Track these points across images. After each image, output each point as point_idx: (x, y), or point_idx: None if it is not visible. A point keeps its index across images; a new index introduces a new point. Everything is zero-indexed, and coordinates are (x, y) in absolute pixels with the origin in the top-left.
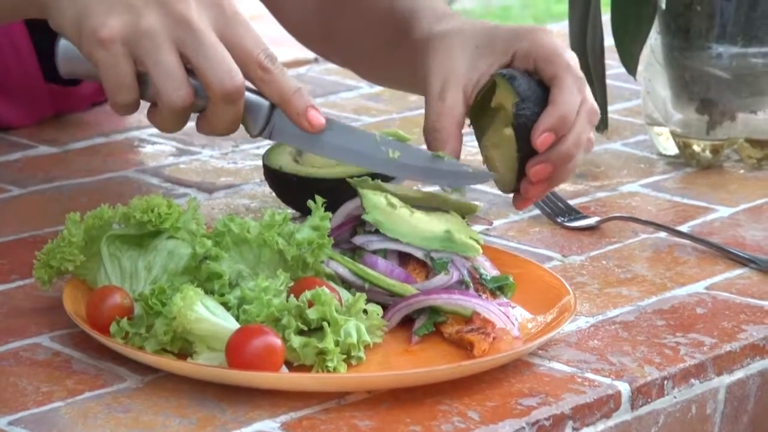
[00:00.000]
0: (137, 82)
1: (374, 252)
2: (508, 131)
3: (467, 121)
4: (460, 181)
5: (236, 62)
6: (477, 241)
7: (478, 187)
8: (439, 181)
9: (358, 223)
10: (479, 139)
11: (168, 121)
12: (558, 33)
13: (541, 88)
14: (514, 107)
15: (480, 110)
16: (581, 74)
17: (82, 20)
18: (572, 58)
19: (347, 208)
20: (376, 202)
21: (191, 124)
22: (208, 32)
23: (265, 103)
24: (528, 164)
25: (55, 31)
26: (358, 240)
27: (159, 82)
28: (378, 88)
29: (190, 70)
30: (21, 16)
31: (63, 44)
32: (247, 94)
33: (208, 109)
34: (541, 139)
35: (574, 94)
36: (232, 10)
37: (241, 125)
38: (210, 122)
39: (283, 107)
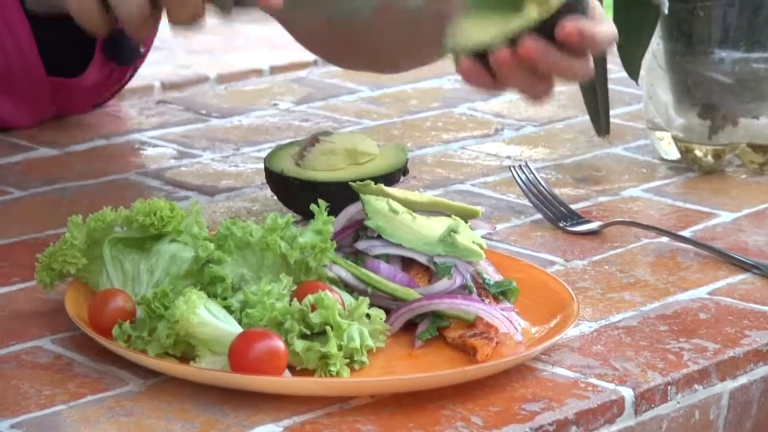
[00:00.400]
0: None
1: (377, 257)
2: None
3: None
4: None
5: None
6: (480, 246)
7: (481, 190)
8: None
9: (361, 228)
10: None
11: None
12: None
13: None
14: None
15: None
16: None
17: None
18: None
19: (349, 212)
20: (378, 207)
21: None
22: None
23: None
24: (528, 35)
25: None
26: (361, 245)
27: None
28: (379, 92)
29: None
30: None
31: None
32: None
33: None
34: (569, 29)
35: (608, 37)
36: None
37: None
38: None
39: None
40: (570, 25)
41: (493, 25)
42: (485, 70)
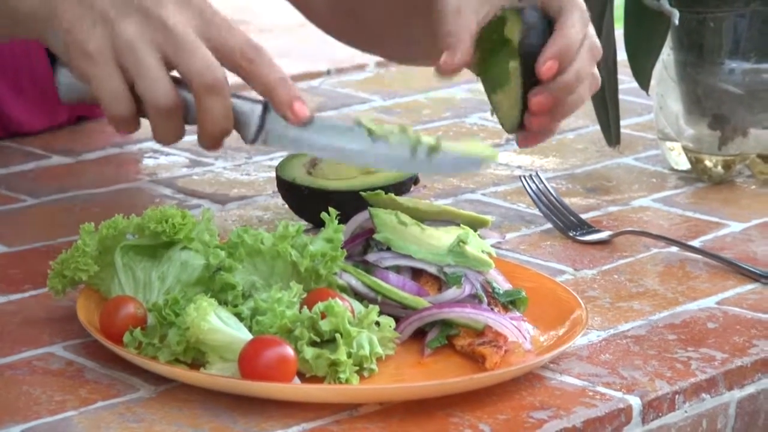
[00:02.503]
0: (131, 95)
1: (387, 269)
2: (514, 64)
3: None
4: (447, 169)
5: (221, 59)
6: (489, 255)
7: (491, 200)
8: (427, 171)
9: (371, 238)
10: (487, 89)
11: (159, 126)
12: None
13: (547, 20)
14: (521, 34)
15: (487, 59)
16: (586, 9)
17: (69, 38)
18: None
19: (358, 219)
20: (387, 220)
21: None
22: (186, 32)
23: (258, 107)
24: (530, 94)
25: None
26: (371, 257)
27: (141, 84)
28: (391, 101)
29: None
30: (21, 37)
31: (61, 71)
32: (239, 100)
33: (197, 109)
34: (546, 66)
35: (577, 26)
36: (211, 11)
37: (236, 133)
38: (201, 123)
39: (268, 97)
40: (543, 66)
41: (508, 95)
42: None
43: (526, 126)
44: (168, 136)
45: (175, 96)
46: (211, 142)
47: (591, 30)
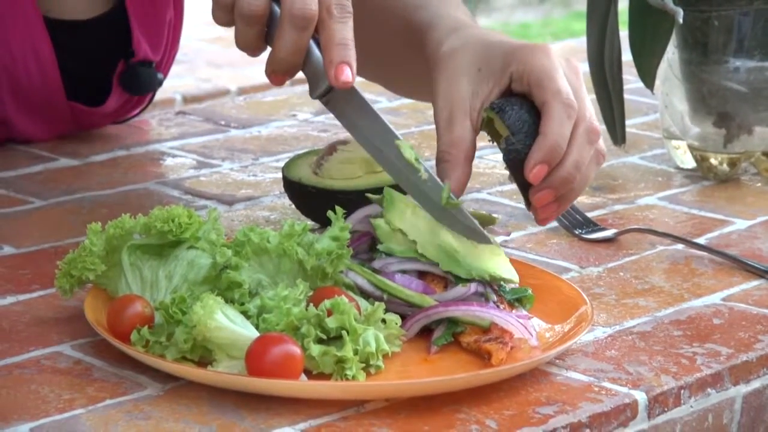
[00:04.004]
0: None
1: (392, 273)
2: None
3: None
4: (455, 227)
5: (318, 2)
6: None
7: (497, 199)
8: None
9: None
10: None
11: (239, 31)
12: (576, 49)
13: (533, 115)
14: (505, 142)
15: (490, 128)
16: (572, 100)
17: None
18: (563, 82)
19: (363, 211)
20: (388, 231)
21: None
22: None
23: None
24: (531, 192)
25: None
26: (377, 264)
27: None
28: (397, 102)
29: None
30: None
31: None
32: (320, 52)
33: (276, 31)
34: (533, 172)
35: (563, 122)
36: None
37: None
38: (273, 47)
39: (323, 52)
40: (531, 173)
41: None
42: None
43: (535, 215)
44: (244, 44)
45: (263, 6)
46: (274, 71)
47: (586, 110)
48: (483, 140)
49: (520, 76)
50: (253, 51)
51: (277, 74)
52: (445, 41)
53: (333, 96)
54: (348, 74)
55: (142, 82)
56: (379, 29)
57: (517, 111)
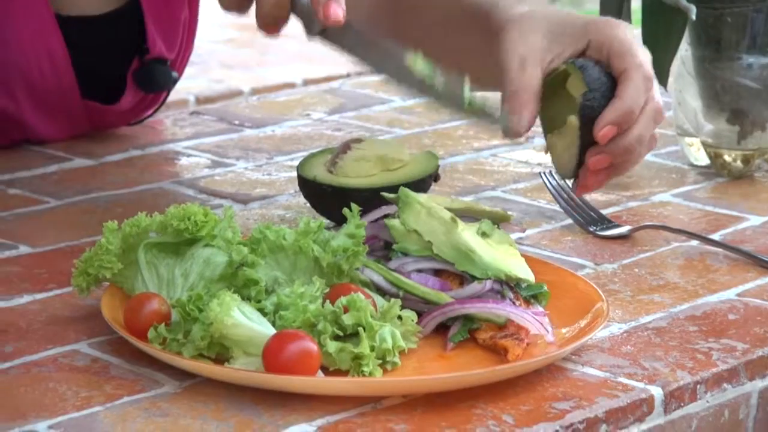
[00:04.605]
0: None
1: (409, 273)
2: (573, 120)
3: None
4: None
5: None
6: (512, 246)
7: (511, 196)
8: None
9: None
10: (543, 126)
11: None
12: None
13: (610, 80)
14: (582, 97)
15: (545, 99)
16: (651, 73)
17: None
18: (644, 56)
19: (383, 209)
20: (402, 231)
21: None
22: None
23: None
24: (588, 153)
25: None
26: (393, 264)
27: None
28: (411, 102)
29: None
30: None
31: None
32: None
33: None
34: (603, 131)
35: (640, 92)
36: None
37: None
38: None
39: None
40: (601, 132)
41: (565, 141)
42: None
43: (581, 179)
44: (228, 3)
45: None
46: (265, 24)
47: (655, 92)
48: (496, 138)
49: (600, 44)
50: (239, 9)
51: (269, 26)
52: (516, 7)
53: (329, 33)
54: (338, 12)
55: (157, 80)
56: (432, 12)
57: (597, 71)
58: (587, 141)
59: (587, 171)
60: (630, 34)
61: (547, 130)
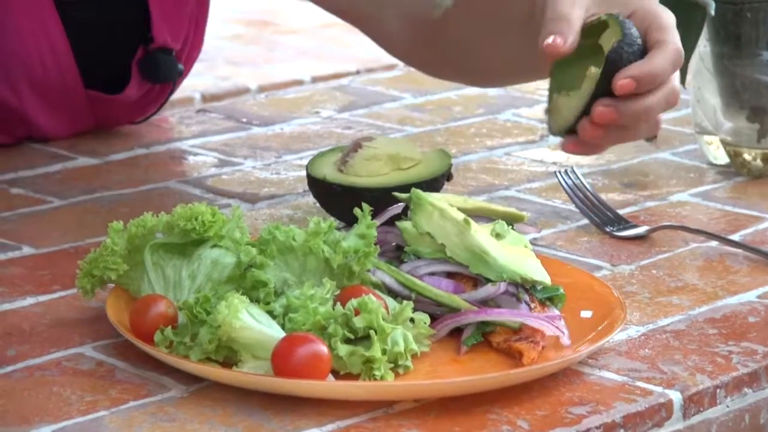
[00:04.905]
0: None
1: (421, 276)
2: (595, 70)
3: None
4: None
5: None
6: (526, 247)
7: (526, 196)
8: None
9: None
10: (552, 85)
11: None
12: None
13: (643, 46)
14: (616, 43)
15: (566, 58)
16: (681, 57)
17: None
18: (678, 39)
19: (392, 210)
20: (414, 234)
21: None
22: None
23: None
24: (597, 102)
25: None
26: (405, 268)
27: None
28: (422, 99)
29: None
30: None
31: None
32: None
33: None
34: (624, 82)
35: (668, 63)
36: None
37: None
38: None
39: None
40: (622, 80)
41: (574, 98)
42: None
43: (579, 132)
44: None
45: None
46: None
47: (676, 78)
48: (510, 136)
49: (644, 15)
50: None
51: None
52: None
53: None
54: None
55: (162, 70)
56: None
57: (635, 30)
58: (600, 93)
59: (589, 123)
60: (672, 19)
61: (554, 90)
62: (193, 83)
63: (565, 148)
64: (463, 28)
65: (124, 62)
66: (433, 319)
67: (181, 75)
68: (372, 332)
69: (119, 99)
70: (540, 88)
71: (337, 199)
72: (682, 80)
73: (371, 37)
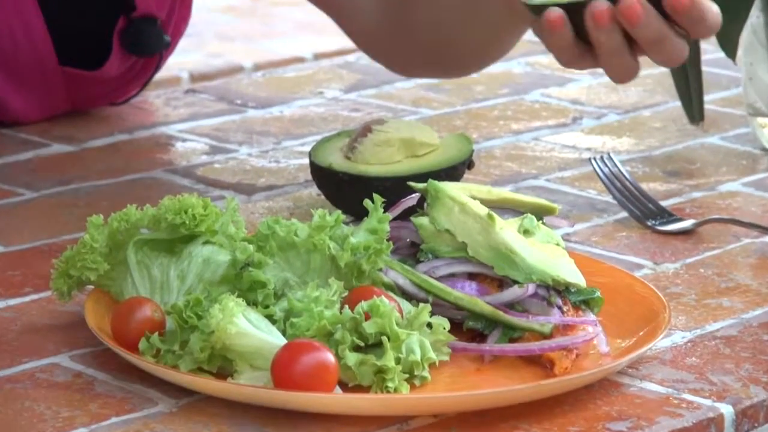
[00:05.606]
0: None
1: (440, 278)
2: None
3: None
4: None
5: None
6: (558, 245)
7: (557, 186)
8: None
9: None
10: None
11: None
12: None
13: None
14: None
15: None
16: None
17: None
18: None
19: (407, 202)
20: (432, 230)
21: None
22: None
23: None
24: None
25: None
26: (422, 268)
27: None
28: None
29: None
30: None
31: None
32: None
33: None
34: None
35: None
36: None
37: None
38: None
39: None
40: None
41: None
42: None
43: (596, 11)
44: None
45: None
46: None
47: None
48: (538, 119)
49: None
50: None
51: None
52: None
53: None
54: None
55: (146, 41)
56: None
57: None
58: None
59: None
60: None
61: None
62: (180, 61)
63: (551, 21)
64: (433, 8)
65: (103, 34)
66: (453, 324)
67: (168, 48)
68: (384, 339)
69: (98, 76)
70: None
71: (345, 189)
72: (732, 55)
73: (340, 24)
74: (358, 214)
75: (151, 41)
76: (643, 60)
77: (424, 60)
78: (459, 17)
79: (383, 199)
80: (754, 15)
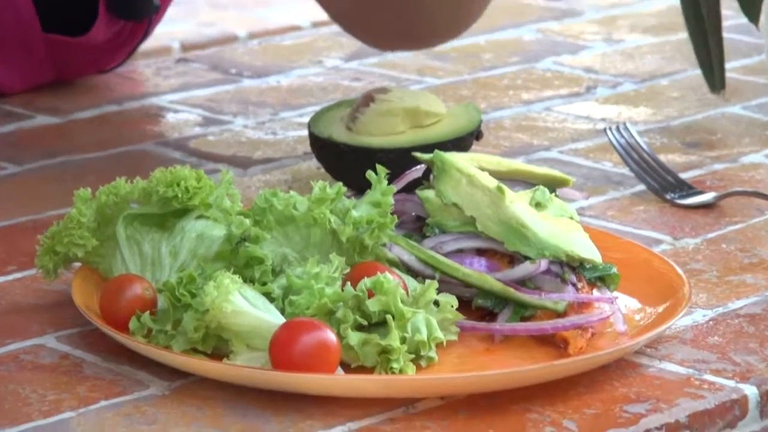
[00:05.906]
0: None
1: (447, 254)
2: None
3: None
4: None
5: None
6: (572, 219)
7: (570, 158)
8: None
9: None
10: None
11: None
12: None
13: None
14: None
15: None
16: None
17: None
18: None
19: (413, 174)
20: (438, 204)
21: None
22: None
23: None
24: None
25: None
26: (429, 244)
27: None
28: (445, 45)
29: None
30: None
31: None
32: None
33: None
34: None
35: None
36: None
37: None
38: None
39: None
40: None
41: None
42: None
43: None
44: None
45: None
46: None
47: None
48: (550, 88)
49: None
50: None
51: None
52: None
53: None
54: None
55: (134, 4)
56: None
57: None
58: None
59: None
60: None
61: None
62: (171, 30)
63: None
64: None
65: (88, 2)
66: (462, 302)
67: (158, 12)
68: (389, 317)
69: (84, 42)
70: (585, 32)
71: (346, 161)
72: (755, 20)
73: (321, 4)
74: (360, 188)
75: (140, 4)
76: (661, 27)
77: (400, 33)
78: None
79: (387, 171)
80: None
